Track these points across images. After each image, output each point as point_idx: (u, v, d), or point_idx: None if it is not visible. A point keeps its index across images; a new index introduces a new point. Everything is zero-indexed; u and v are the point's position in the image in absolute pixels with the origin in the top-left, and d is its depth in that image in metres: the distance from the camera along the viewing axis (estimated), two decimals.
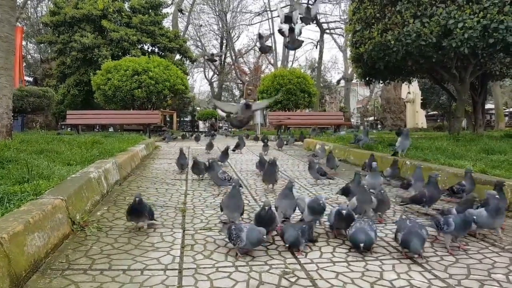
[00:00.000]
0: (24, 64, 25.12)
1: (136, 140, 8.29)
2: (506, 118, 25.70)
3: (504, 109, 25.79)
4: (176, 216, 3.16)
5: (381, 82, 10.40)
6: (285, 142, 8.83)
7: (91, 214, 3.05)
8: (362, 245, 2.25)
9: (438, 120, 27.39)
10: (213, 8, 38.14)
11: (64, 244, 2.39)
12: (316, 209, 2.68)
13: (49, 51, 27.47)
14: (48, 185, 2.85)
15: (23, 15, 27.87)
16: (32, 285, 1.85)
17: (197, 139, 10.46)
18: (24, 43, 26.15)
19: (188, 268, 2.11)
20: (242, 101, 3.28)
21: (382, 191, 2.97)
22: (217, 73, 40.74)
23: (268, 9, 35.62)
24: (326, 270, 2.13)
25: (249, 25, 47.40)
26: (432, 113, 27.64)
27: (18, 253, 1.87)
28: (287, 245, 2.30)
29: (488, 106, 22.04)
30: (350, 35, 9.12)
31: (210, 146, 7.67)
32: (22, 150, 4.64)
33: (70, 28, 21.04)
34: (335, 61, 59.85)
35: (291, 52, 38.49)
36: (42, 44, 26.11)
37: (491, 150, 5.54)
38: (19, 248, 1.89)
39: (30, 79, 27.85)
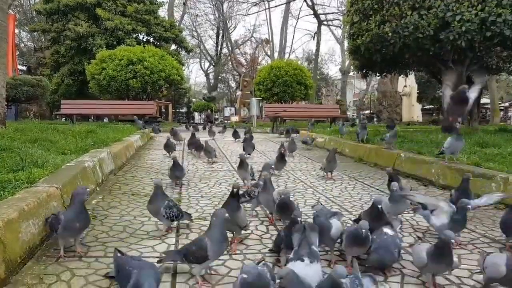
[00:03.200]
0: (17, 52, 24.79)
1: (131, 131, 8.27)
2: (502, 113, 25.84)
3: (500, 103, 25.90)
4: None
5: (377, 74, 10.38)
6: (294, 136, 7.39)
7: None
8: None
9: (434, 114, 27.47)
10: None
11: None
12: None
13: (43, 39, 27.13)
14: (43, 173, 2.83)
15: (15, 2, 27.43)
16: (27, 271, 1.86)
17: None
18: (16, 31, 25.77)
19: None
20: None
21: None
22: (213, 64, 40.48)
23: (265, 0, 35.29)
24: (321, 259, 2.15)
25: (245, 15, 47.09)
26: (428, 106, 27.71)
27: (12, 239, 1.86)
28: None
29: (484, 100, 22.11)
30: (347, 27, 9.08)
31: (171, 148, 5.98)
32: (16, 138, 4.60)
33: (64, 16, 20.75)
34: (332, 53, 59.46)
35: (288, 44, 38.37)
36: (36, 33, 25.75)
37: (485, 144, 5.58)
38: (13, 235, 1.88)
39: (24, 68, 27.55)
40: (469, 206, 2.33)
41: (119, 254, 1.77)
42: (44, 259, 2.01)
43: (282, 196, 2.44)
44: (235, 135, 8.68)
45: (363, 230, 1.87)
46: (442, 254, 1.74)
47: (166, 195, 2.56)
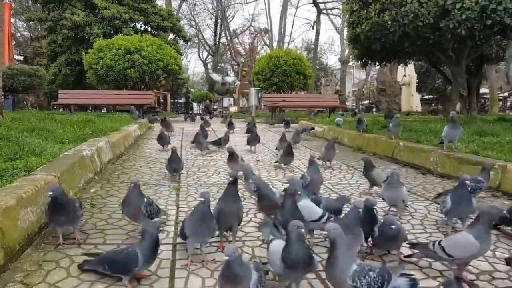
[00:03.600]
0: (14, 42, 24.53)
1: (129, 120, 8.24)
2: (500, 103, 25.76)
3: (499, 93, 25.79)
4: (170, 194, 3.17)
5: (377, 63, 10.33)
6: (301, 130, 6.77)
7: (85, 191, 3.04)
8: None
9: (433, 104, 27.40)
10: None
11: None
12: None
13: (39, 29, 26.83)
14: (40, 162, 2.82)
15: None
16: (26, 258, 1.86)
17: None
18: (12, 20, 25.43)
19: (182, 243, 2.12)
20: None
21: None
22: (212, 54, 40.18)
23: None
24: (319, 245, 2.16)
25: (244, 4, 46.33)
26: (427, 97, 27.61)
27: (11, 227, 1.86)
28: None
29: (483, 90, 22.02)
30: (347, 15, 9.00)
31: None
32: (14, 128, 4.58)
33: (60, 5, 20.48)
34: (332, 42, 58.82)
35: (287, 33, 38.05)
36: (32, 22, 25.47)
37: (483, 133, 5.58)
38: (12, 222, 1.88)
39: (21, 58, 27.27)
40: (467, 181, 2.34)
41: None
42: (43, 246, 2.01)
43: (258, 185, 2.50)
44: (230, 126, 8.20)
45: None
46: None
47: (143, 193, 2.37)
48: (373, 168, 3.29)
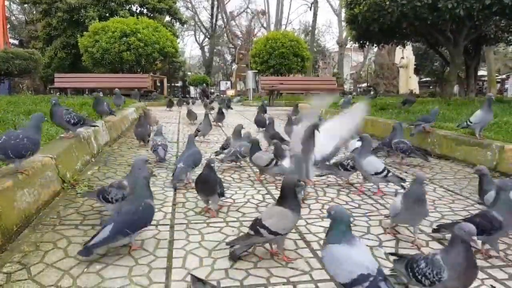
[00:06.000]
0: (8, 26, 24.10)
1: (125, 104, 8.17)
2: (498, 85, 25.65)
3: (497, 75, 25.67)
4: (167, 176, 3.17)
5: (375, 45, 10.23)
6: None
7: (82, 173, 3.04)
8: None
9: (431, 87, 27.32)
10: None
11: (55, 201, 2.39)
12: None
13: (34, 12, 26.35)
14: None
15: None
16: (24, 239, 1.87)
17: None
18: (7, 3, 24.93)
19: (180, 224, 2.14)
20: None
21: None
22: (208, 36, 39.65)
23: None
24: (314, 225, 2.18)
25: None
26: (425, 79, 27.49)
27: (8, 208, 1.86)
28: None
29: (481, 73, 21.91)
30: None
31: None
32: (9, 111, 4.54)
33: None
34: (330, 25, 58.13)
35: (285, 15, 37.54)
36: (26, 5, 24.98)
37: None
38: (9, 203, 1.88)
39: (16, 41, 26.91)
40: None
41: None
42: (41, 227, 2.02)
43: None
44: (220, 116, 6.48)
45: None
46: None
47: None
48: (256, 151, 3.10)
